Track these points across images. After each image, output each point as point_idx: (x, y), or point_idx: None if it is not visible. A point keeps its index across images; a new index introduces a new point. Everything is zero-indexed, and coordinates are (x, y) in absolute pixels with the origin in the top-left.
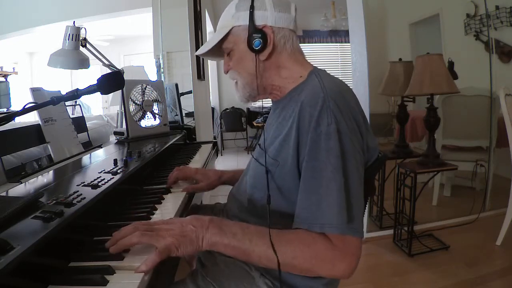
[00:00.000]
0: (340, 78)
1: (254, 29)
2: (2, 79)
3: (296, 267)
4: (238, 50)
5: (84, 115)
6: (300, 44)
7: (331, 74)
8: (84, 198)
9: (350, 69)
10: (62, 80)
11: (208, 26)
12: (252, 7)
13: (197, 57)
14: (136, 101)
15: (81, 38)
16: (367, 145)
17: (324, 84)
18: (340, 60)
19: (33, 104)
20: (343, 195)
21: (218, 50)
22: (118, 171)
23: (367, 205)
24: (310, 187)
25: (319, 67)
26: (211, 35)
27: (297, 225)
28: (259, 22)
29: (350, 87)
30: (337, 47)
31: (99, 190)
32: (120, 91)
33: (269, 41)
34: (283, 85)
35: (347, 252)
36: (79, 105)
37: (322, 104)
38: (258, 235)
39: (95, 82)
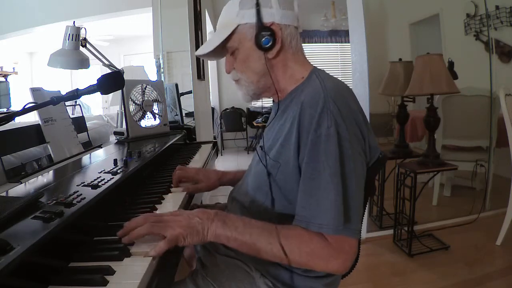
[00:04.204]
0: (340, 78)
1: (262, 27)
2: (2, 79)
3: (292, 261)
4: (244, 49)
5: (84, 115)
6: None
7: (331, 74)
8: (84, 198)
9: (350, 69)
10: (62, 80)
11: (208, 26)
12: (258, 5)
13: (197, 57)
14: (136, 101)
15: (81, 38)
16: (369, 144)
17: (324, 85)
18: (340, 60)
19: (33, 104)
20: (340, 198)
21: (218, 49)
22: (118, 171)
23: (367, 205)
24: (309, 188)
25: (319, 67)
26: (211, 35)
27: (297, 222)
28: (266, 19)
29: (350, 87)
30: (337, 47)
31: (99, 190)
32: (120, 91)
33: (278, 39)
34: (285, 86)
35: (341, 251)
36: (79, 105)
37: (323, 105)
38: (258, 230)
39: (95, 82)
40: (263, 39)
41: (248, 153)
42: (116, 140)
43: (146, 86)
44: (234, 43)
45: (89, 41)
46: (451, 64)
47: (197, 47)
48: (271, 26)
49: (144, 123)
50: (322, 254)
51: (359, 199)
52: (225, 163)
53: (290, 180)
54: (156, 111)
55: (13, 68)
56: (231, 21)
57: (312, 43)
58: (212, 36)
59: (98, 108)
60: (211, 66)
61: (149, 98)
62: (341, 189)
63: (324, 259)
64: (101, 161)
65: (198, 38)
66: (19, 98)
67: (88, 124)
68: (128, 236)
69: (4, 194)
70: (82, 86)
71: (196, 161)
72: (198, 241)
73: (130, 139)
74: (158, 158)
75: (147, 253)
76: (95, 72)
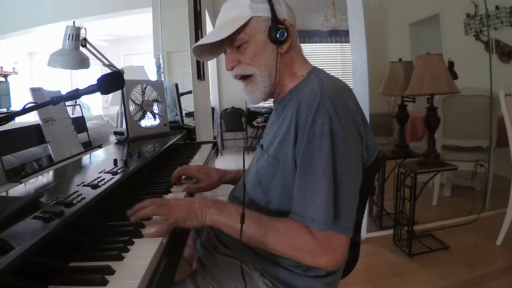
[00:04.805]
0: (340, 78)
1: (278, 21)
2: (2, 79)
3: (280, 252)
4: (255, 42)
5: (84, 115)
6: (300, 44)
7: (330, 74)
8: (84, 198)
9: (350, 69)
10: (62, 80)
11: (208, 26)
12: (270, 0)
13: (193, 52)
14: (136, 101)
15: (81, 38)
16: (366, 144)
17: (322, 83)
18: (340, 60)
19: (33, 104)
20: (331, 194)
21: (215, 45)
22: (118, 171)
23: (367, 205)
24: (304, 183)
25: (319, 67)
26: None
27: (292, 216)
28: (279, 15)
29: (350, 87)
30: (337, 47)
31: (99, 190)
32: (120, 91)
33: (290, 35)
34: (286, 83)
35: (328, 247)
36: (79, 105)
37: (319, 103)
38: (250, 219)
39: (95, 82)
40: (279, 31)
41: (248, 153)
42: (116, 140)
43: (146, 86)
44: (245, 35)
45: (89, 41)
46: (451, 64)
47: None
48: (284, 21)
49: (144, 123)
50: (308, 248)
51: (352, 197)
52: (225, 163)
53: (289, 176)
54: (156, 111)
55: (13, 68)
56: (242, 13)
57: (312, 43)
58: (217, 29)
59: (98, 108)
60: (211, 66)
61: (149, 98)
62: (332, 186)
63: (311, 253)
64: (101, 161)
65: (198, 38)
66: (19, 98)
67: (88, 124)
68: (134, 215)
69: (4, 194)
70: (82, 86)
71: (196, 161)
72: (197, 225)
73: (130, 139)
74: (158, 158)
75: (150, 234)
76: (95, 72)
